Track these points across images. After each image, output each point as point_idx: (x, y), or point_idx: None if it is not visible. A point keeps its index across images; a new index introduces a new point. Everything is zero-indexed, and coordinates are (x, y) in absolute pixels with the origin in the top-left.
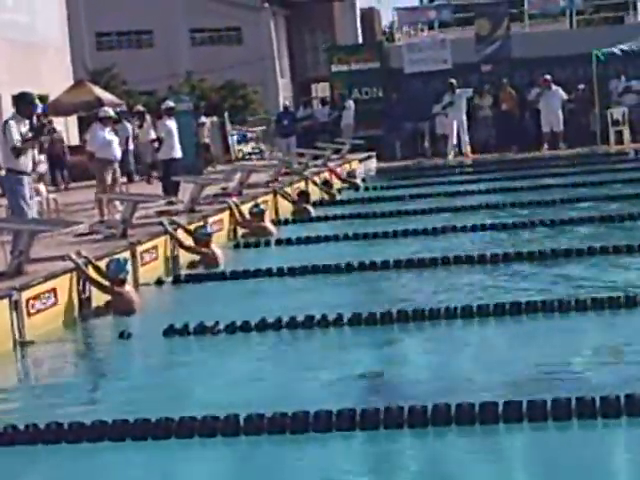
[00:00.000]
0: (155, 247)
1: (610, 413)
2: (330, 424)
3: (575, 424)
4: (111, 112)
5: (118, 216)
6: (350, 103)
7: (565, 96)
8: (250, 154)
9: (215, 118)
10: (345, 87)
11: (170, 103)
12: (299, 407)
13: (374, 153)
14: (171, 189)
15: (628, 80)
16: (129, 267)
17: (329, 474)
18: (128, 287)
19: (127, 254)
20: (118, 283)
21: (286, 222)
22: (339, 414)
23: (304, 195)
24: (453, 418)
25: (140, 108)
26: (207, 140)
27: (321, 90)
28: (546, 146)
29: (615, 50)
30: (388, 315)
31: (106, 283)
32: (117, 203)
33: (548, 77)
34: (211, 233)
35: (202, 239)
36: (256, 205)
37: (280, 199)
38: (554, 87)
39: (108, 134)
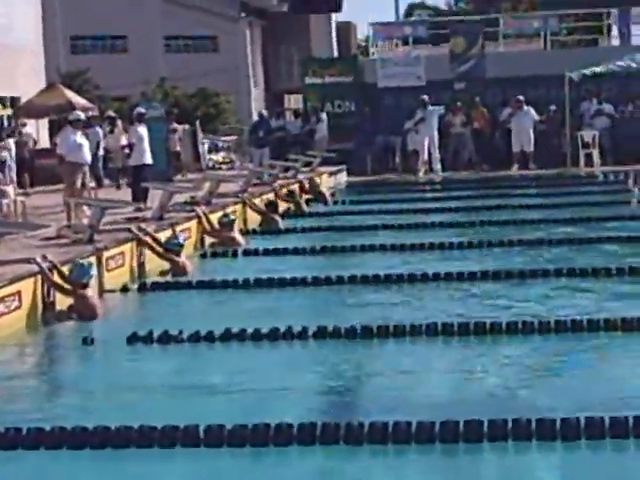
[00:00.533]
0: (122, 253)
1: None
2: (290, 437)
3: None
4: (82, 115)
5: (86, 221)
6: (323, 116)
7: (537, 117)
8: (221, 163)
9: (187, 126)
10: (318, 100)
11: (141, 109)
12: (260, 419)
13: (344, 167)
14: (140, 195)
15: (600, 103)
16: (93, 272)
17: None
18: (90, 292)
19: (92, 259)
20: (81, 287)
21: (254, 232)
22: (300, 427)
23: (272, 205)
24: (413, 436)
25: (111, 113)
26: (178, 148)
27: (294, 101)
28: (516, 166)
29: (587, 72)
30: (353, 330)
31: (68, 287)
32: (85, 208)
33: (521, 98)
34: (183, 244)
35: (174, 250)
36: (225, 215)
37: (249, 209)
38: (526, 108)
39: (79, 138)
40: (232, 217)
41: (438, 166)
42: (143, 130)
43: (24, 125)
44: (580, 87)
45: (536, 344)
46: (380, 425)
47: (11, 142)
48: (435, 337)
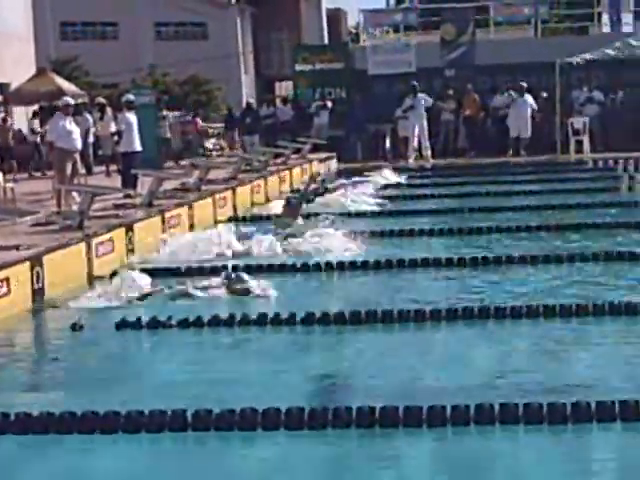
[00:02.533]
0: (111, 239)
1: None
2: (279, 422)
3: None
4: (71, 101)
5: (75, 207)
6: (328, 104)
7: (534, 104)
8: (211, 150)
9: (177, 112)
10: (309, 86)
11: (130, 96)
12: (248, 404)
13: (334, 154)
14: (130, 182)
15: (590, 91)
16: None
17: (275, 472)
18: None
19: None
20: None
21: (244, 219)
22: (287, 412)
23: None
24: (401, 420)
25: (101, 100)
26: (168, 135)
27: (285, 88)
28: (511, 152)
29: (578, 60)
30: (341, 315)
31: None
32: (75, 194)
33: (523, 84)
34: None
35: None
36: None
37: (238, 195)
38: (525, 95)
39: (69, 124)
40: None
41: (428, 152)
42: (132, 117)
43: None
44: (570, 74)
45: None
46: (367, 409)
47: None
48: (423, 323)
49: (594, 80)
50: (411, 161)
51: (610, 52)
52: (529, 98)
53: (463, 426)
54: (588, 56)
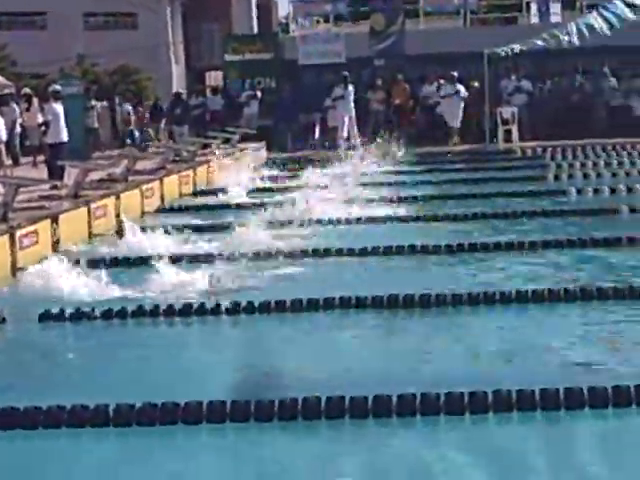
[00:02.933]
0: (36, 231)
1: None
2: (200, 416)
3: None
4: None
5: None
6: (258, 93)
7: (465, 93)
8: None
9: (105, 102)
10: (238, 77)
11: (57, 87)
12: (170, 398)
13: (264, 144)
14: (56, 173)
15: (518, 80)
16: None
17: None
18: None
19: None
20: None
21: (171, 209)
22: (209, 405)
23: None
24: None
25: (27, 91)
26: (96, 125)
27: (215, 79)
28: (456, 139)
29: (507, 50)
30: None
31: None
32: None
33: (454, 74)
34: None
35: None
36: None
37: (166, 185)
38: (458, 85)
39: None
40: None
41: (357, 142)
42: (59, 107)
43: None
44: (499, 64)
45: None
46: (289, 402)
47: None
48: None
49: (522, 70)
50: (341, 151)
51: (538, 42)
52: (460, 87)
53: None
54: (516, 46)
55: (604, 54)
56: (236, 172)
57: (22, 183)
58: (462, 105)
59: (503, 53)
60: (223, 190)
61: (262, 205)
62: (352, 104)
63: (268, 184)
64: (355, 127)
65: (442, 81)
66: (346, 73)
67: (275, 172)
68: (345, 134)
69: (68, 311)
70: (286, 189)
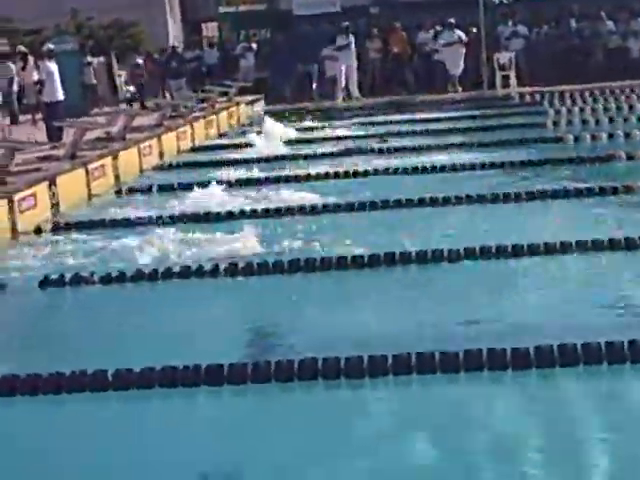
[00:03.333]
0: (34, 194)
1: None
2: (222, 377)
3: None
4: None
5: None
6: (253, 45)
7: (465, 39)
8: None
9: (102, 58)
10: (233, 29)
11: (50, 45)
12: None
13: (262, 96)
14: (54, 133)
15: (515, 25)
16: None
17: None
18: None
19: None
20: None
21: (170, 166)
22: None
23: None
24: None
25: (22, 49)
26: (94, 81)
27: (212, 30)
28: (460, 88)
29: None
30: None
31: None
32: None
33: (452, 20)
34: None
35: None
36: None
37: (164, 142)
38: (457, 31)
39: None
40: None
41: (356, 92)
42: (53, 66)
43: None
44: (495, 10)
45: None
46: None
47: None
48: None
49: (518, 15)
50: (339, 101)
51: None
52: (461, 34)
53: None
54: None
55: None
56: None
57: (18, 147)
58: (463, 52)
59: (497, 0)
60: (223, 146)
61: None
62: (354, 54)
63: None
64: (355, 77)
65: (439, 28)
66: (347, 23)
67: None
68: (343, 84)
69: (68, 276)
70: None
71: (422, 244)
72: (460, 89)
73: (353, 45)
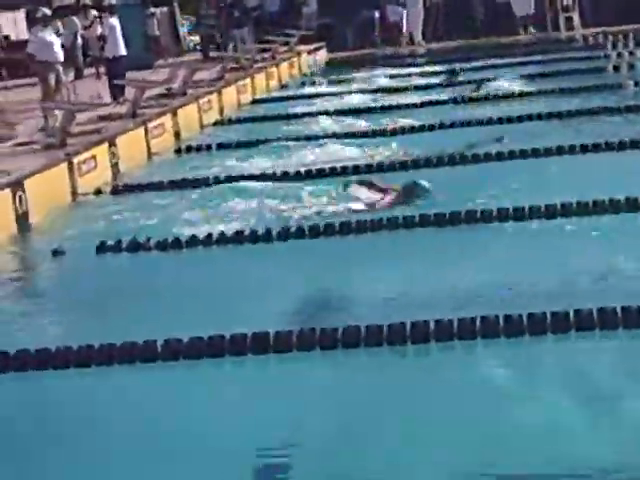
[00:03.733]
0: (93, 156)
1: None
2: (291, 344)
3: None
4: (47, 12)
5: (58, 124)
6: None
7: None
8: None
9: (165, 8)
10: None
11: (112, 0)
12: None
13: (324, 44)
14: (117, 89)
15: None
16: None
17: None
18: None
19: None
20: None
21: (230, 122)
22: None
23: None
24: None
25: (86, 1)
26: (157, 32)
27: None
28: (522, 31)
29: None
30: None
31: None
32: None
33: None
34: None
35: None
36: None
37: (225, 97)
38: None
39: (48, 35)
40: None
41: (420, 38)
42: (115, 21)
43: None
44: None
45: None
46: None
47: None
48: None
49: None
50: (403, 48)
51: None
52: None
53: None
54: None
55: None
56: None
57: (78, 109)
58: None
59: None
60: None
61: None
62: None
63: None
64: (420, 23)
65: None
66: None
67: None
68: (407, 30)
69: (124, 242)
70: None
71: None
72: (534, 32)
73: None
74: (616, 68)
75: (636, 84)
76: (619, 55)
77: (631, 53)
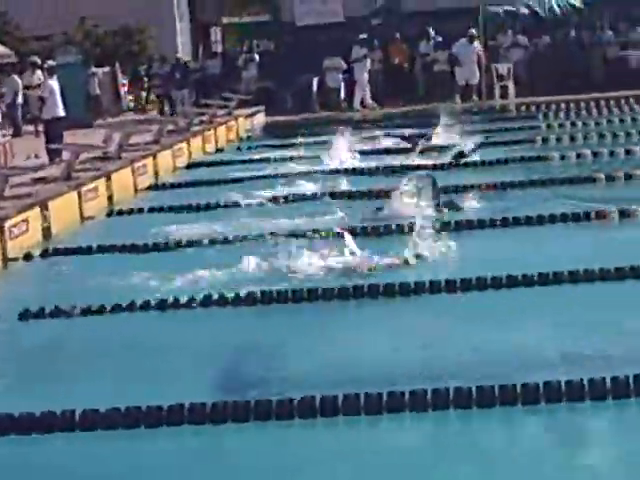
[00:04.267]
0: (26, 220)
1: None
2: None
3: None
4: None
5: None
6: (255, 56)
7: (481, 50)
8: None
9: (106, 68)
10: (237, 39)
11: (52, 62)
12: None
13: (262, 108)
14: (54, 150)
15: (515, 35)
16: None
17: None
18: None
19: None
20: None
21: (163, 186)
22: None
23: None
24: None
25: (35, 60)
26: (98, 91)
27: (221, 34)
28: (459, 97)
29: (500, 11)
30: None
31: None
32: None
33: (473, 31)
34: None
35: None
36: None
37: (160, 161)
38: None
39: None
40: None
41: (369, 101)
42: (54, 83)
43: None
44: (495, 20)
45: None
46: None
47: None
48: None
49: (518, 25)
50: (356, 112)
51: (528, 4)
52: (475, 44)
53: None
54: (508, 8)
55: (601, 7)
56: None
57: (10, 173)
58: (475, 61)
59: (498, 13)
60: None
61: None
62: (368, 66)
63: None
64: (368, 88)
65: (439, 38)
66: (365, 35)
67: None
68: (365, 94)
69: (48, 309)
70: None
71: None
72: (477, 99)
73: (368, 57)
74: (544, 140)
75: (562, 158)
76: (548, 126)
77: (561, 125)
